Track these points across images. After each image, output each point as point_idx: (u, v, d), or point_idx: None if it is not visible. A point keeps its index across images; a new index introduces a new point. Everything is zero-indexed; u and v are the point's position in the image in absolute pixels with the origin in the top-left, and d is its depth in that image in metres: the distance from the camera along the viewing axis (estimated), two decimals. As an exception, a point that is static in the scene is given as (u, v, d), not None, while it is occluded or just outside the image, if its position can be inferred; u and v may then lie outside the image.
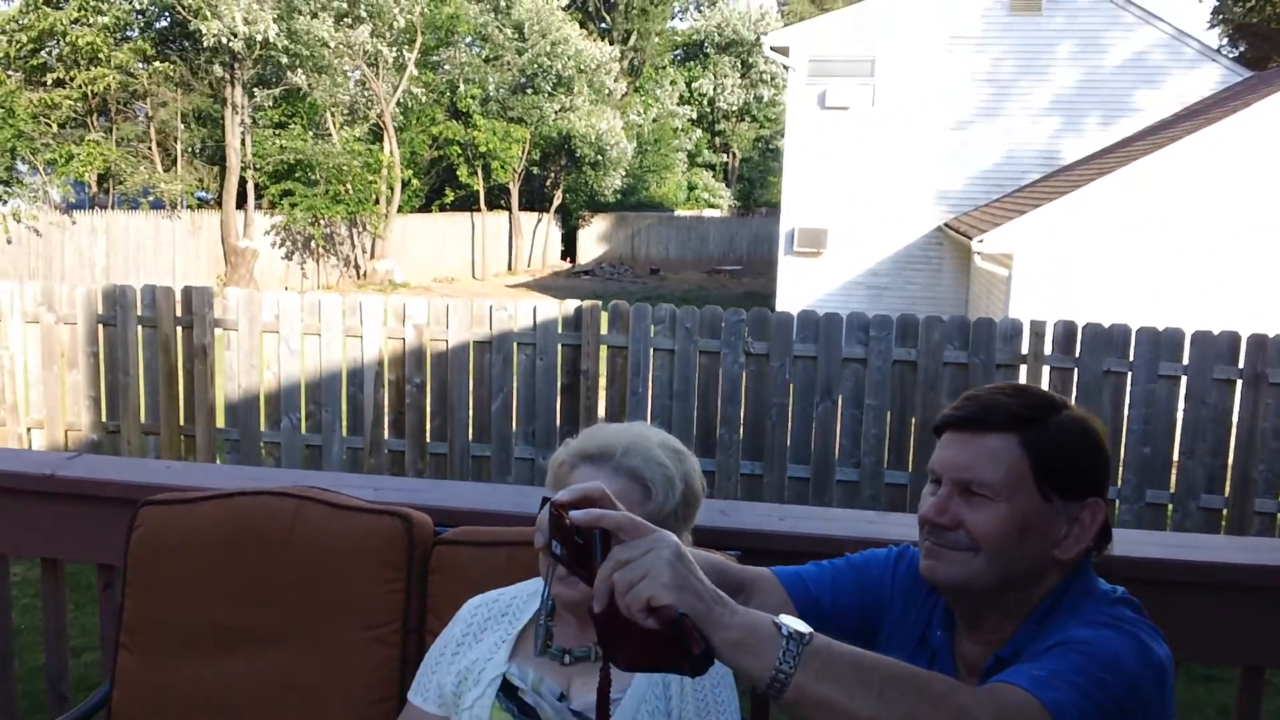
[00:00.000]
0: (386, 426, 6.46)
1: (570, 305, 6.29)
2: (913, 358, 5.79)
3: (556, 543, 1.29)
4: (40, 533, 2.48)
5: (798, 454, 5.90)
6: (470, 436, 6.35)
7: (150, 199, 20.13)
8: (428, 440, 6.39)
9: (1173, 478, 5.79)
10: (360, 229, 22.98)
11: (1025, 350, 5.82)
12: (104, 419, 6.73)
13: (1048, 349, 5.79)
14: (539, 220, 29.99)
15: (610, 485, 1.74)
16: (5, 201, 17.20)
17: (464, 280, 25.93)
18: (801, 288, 15.85)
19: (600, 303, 6.39)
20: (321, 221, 21.54)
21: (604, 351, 6.23)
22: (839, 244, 15.96)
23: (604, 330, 6.21)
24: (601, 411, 6.22)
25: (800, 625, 1.20)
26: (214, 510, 2.16)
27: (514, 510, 2.23)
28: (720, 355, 5.93)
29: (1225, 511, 5.74)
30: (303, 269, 22.04)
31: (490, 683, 1.77)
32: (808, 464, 5.88)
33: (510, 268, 28.57)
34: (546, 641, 1.81)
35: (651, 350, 6.05)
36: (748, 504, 2.24)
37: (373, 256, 23.04)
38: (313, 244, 22.06)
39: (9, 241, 16.58)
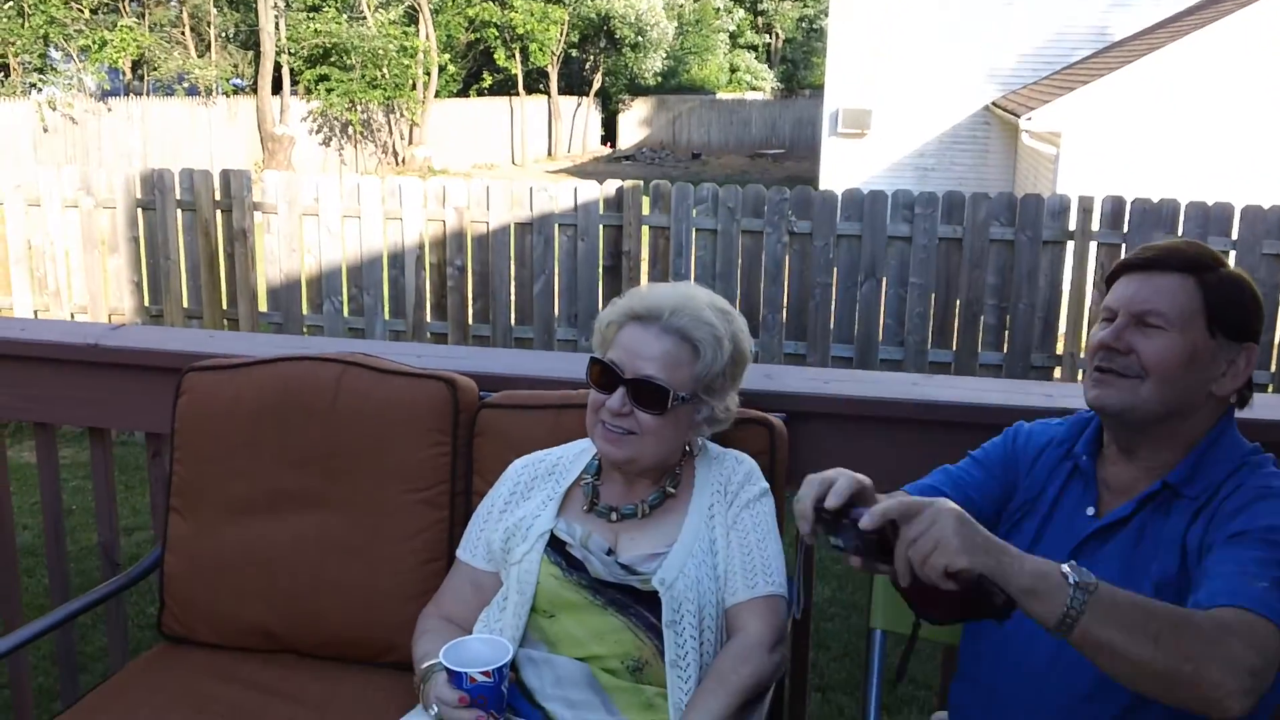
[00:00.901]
0: (429, 309, 6.46)
1: (611, 186, 6.20)
2: (958, 235, 5.67)
3: (837, 538, 1.39)
4: (87, 402, 2.49)
5: (841, 334, 5.85)
6: (512, 320, 6.34)
7: (185, 85, 20.01)
8: (470, 323, 6.39)
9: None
10: (397, 115, 22.75)
11: (1073, 227, 5.68)
12: (147, 303, 6.77)
13: (1095, 225, 5.64)
14: (578, 105, 29.55)
15: (658, 345, 1.72)
16: (40, 89, 17.15)
17: (503, 167, 25.72)
18: (845, 170, 15.56)
19: (641, 183, 6.29)
20: (358, 107, 21.34)
21: (646, 232, 6.15)
22: (884, 125, 15.59)
23: (646, 211, 6.12)
24: (642, 292, 6.17)
25: (1084, 573, 1.30)
26: (258, 376, 2.16)
27: (558, 375, 2.21)
28: (763, 235, 5.84)
29: (1270, 388, 5.63)
30: (340, 155, 21.93)
31: (539, 538, 1.77)
32: (851, 344, 5.83)
33: (550, 153, 28.28)
34: (593, 500, 1.82)
35: (694, 231, 5.97)
36: (793, 368, 2.21)
37: (410, 143, 22.86)
38: (350, 130, 21.90)
39: (45, 130, 16.59)
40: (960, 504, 1.58)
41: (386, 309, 6.49)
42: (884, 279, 5.75)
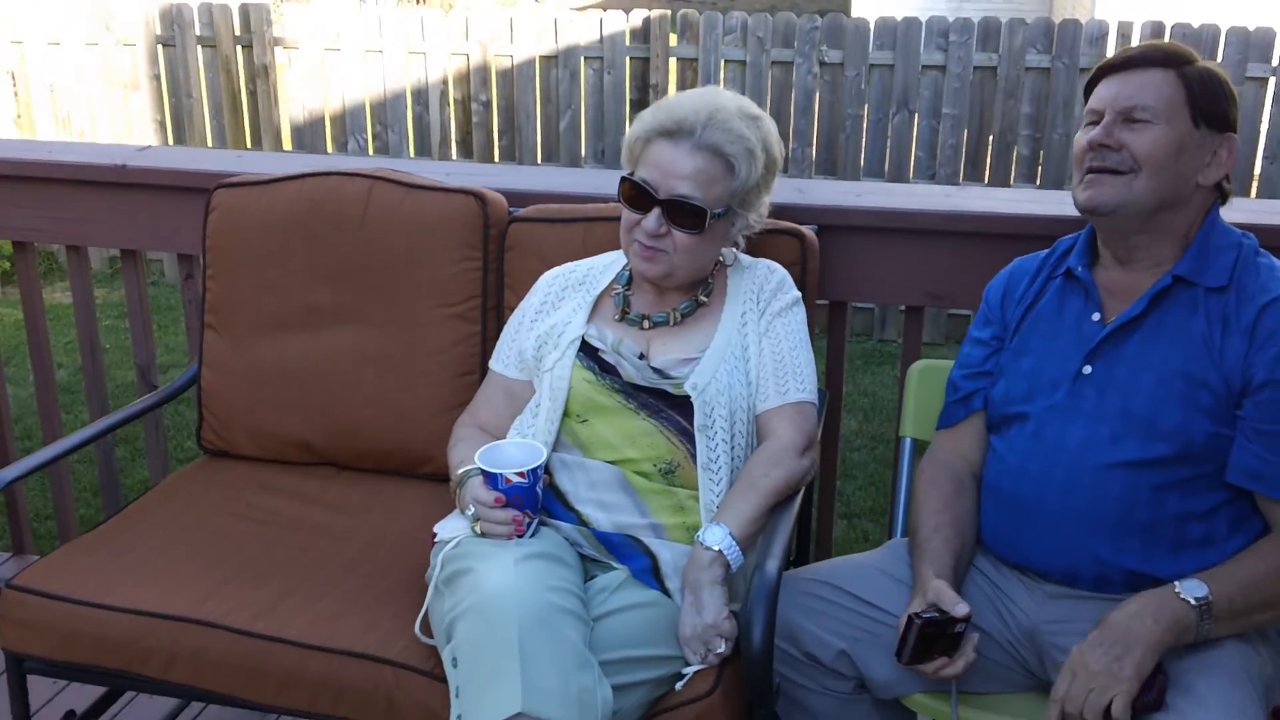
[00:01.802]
0: (454, 147, 6.37)
1: (638, 16, 6.02)
2: (994, 63, 5.49)
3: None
4: (117, 225, 2.49)
5: (871, 168, 5.73)
6: (539, 157, 6.25)
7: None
8: (496, 160, 6.31)
9: (1254, 187, 5.56)
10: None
11: (1111, 53, 5.48)
12: (170, 142, 6.71)
13: (1141, 53, 5.43)
14: (601, -60, 28.49)
15: (690, 163, 1.68)
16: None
17: (524, 3, 25.00)
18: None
19: (668, 13, 6.10)
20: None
21: (673, 64, 5.99)
22: (920, -47, 14.95)
23: (673, 43, 5.95)
24: (670, 127, 6.04)
25: (1196, 589, 1.43)
26: (288, 191, 2.14)
27: (587, 191, 2.19)
28: (793, 66, 5.67)
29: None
30: (359, -5, 21.37)
31: (570, 344, 1.77)
32: (882, 178, 5.71)
33: (572, -9, 27.42)
34: (624, 308, 1.82)
35: (722, 62, 5.80)
36: (824, 181, 2.18)
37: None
38: (368, -33, 21.28)
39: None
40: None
41: (411, 147, 6.40)
42: (916, 110, 5.60)
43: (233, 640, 1.64)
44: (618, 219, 1.77)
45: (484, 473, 1.63)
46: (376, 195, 2.10)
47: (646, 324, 1.79)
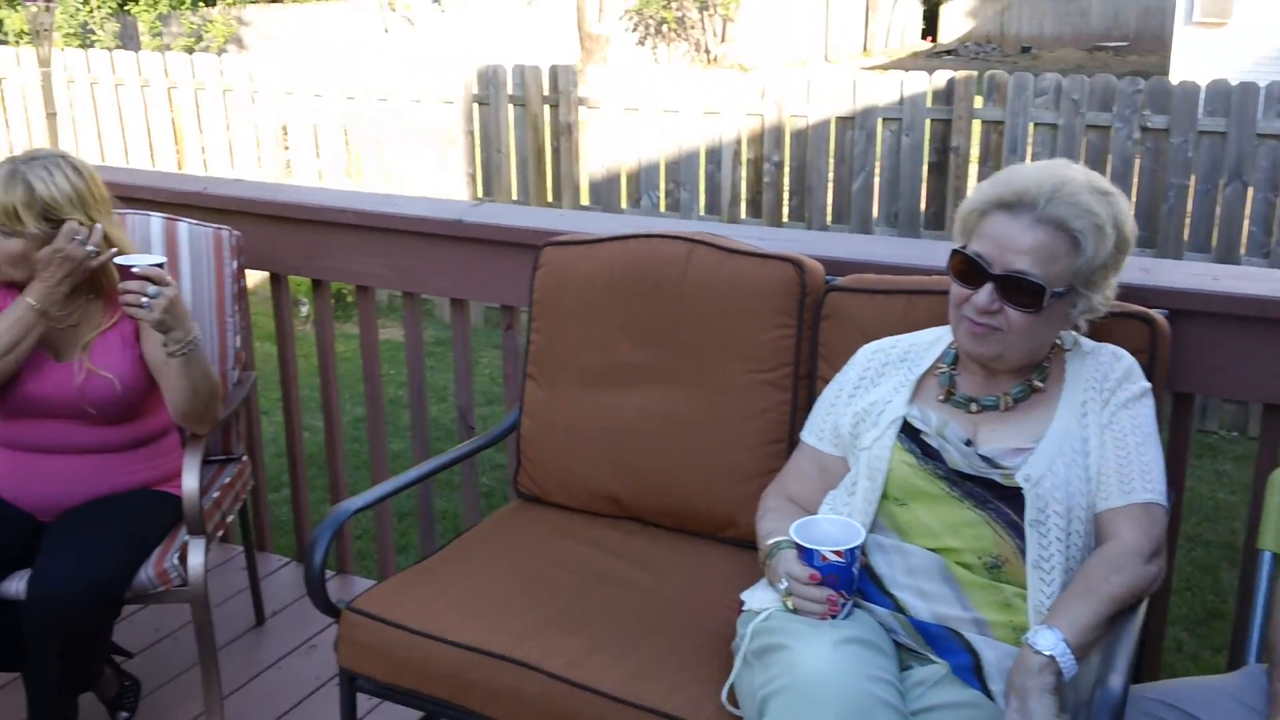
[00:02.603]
0: (743, 205, 6.45)
1: (941, 77, 5.90)
2: (1344, 134, 5.01)
3: None
4: (449, 274, 2.66)
5: (1196, 241, 5.33)
6: (828, 218, 6.23)
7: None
8: (785, 220, 6.33)
9: None
10: (710, 12, 22.65)
11: None
12: (480, 194, 7.15)
13: None
14: (895, -4, 28.25)
15: (1030, 237, 1.60)
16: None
17: (815, 64, 25.12)
18: (1200, 65, 14.03)
19: (974, 74, 5.95)
20: (673, 4, 21.42)
21: (976, 127, 5.83)
22: (1250, 10, 13.91)
23: (978, 104, 5.79)
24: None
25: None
26: (610, 252, 2.22)
27: (908, 262, 2.13)
28: (1111, 130, 5.39)
29: None
30: (654, 54, 22.15)
31: (891, 423, 1.72)
32: (1207, 252, 5.30)
33: (865, 49, 27.31)
34: (950, 389, 1.75)
35: (1031, 125, 5.59)
36: (1173, 262, 2.02)
37: (723, 40, 22.73)
38: (664, 28, 22.04)
39: (386, 31, 17.70)
40: None
41: (702, 205, 6.54)
42: (1250, 181, 5.18)
43: (547, 684, 1.70)
44: (943, 293, 1.71)
45: (799, 547, 1.60)
46: (696, 258, 2.14)
47: (974, 407, 1.71)
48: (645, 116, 6.53)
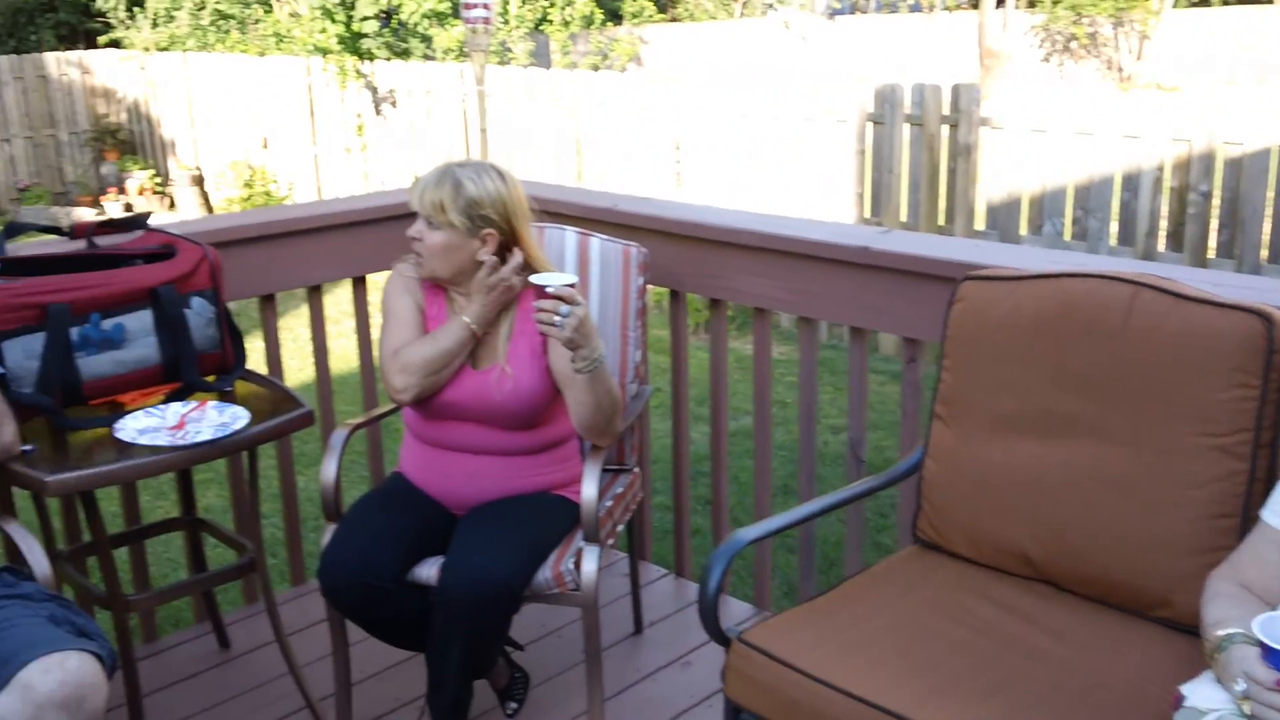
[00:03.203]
0: (1161, 238, 5.91)
1: None
2: None
3: None
4: (850, 302, 2.57)
5: None
6: (1263, 256, 5.56)
7: (910, 2, 20.41)
8: (1209, 257, 5.73)
9: None
10: (1127, 28, 21.11)
11: None
12: (867, 215, 7.02)
13: None
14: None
15: None
16: (776, 9, 18.50)
17: (1245, 85, 22.75)
18: None
19: None
20: (1084, 20, 20.16)
21: None
22: None
23: None
24: None
25: None
26: (1039, 290, 2.04)
27: None
28: None
29: None
30: (1060, 71, 20.97)
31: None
32: None
33: (1298, 71, 24.47)
34: None
35: None
36: None
37: (1139, 57, 21.13)
38: (1073, 45, 20.81)
39: (779, 48, 17.94)
40: None
41: (1113, 235, 6.05)
42: None
43: (948, 756, 1.57)
44: None
45: (1263, 646, 1.38)
46: (1140, 303, 1.92)
47: None
48: (1054, 139, 6.15)
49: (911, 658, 1.76)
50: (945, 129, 6.53)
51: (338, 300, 6.09)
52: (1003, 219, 6.43)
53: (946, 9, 20.84)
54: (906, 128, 6.67)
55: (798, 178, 7.20)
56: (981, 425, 2.06)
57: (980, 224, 6.64)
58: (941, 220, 6.67)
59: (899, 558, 2.12)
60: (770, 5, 19.64)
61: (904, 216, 6.81)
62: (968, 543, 2.06)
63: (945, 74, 19.05)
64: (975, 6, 19.81)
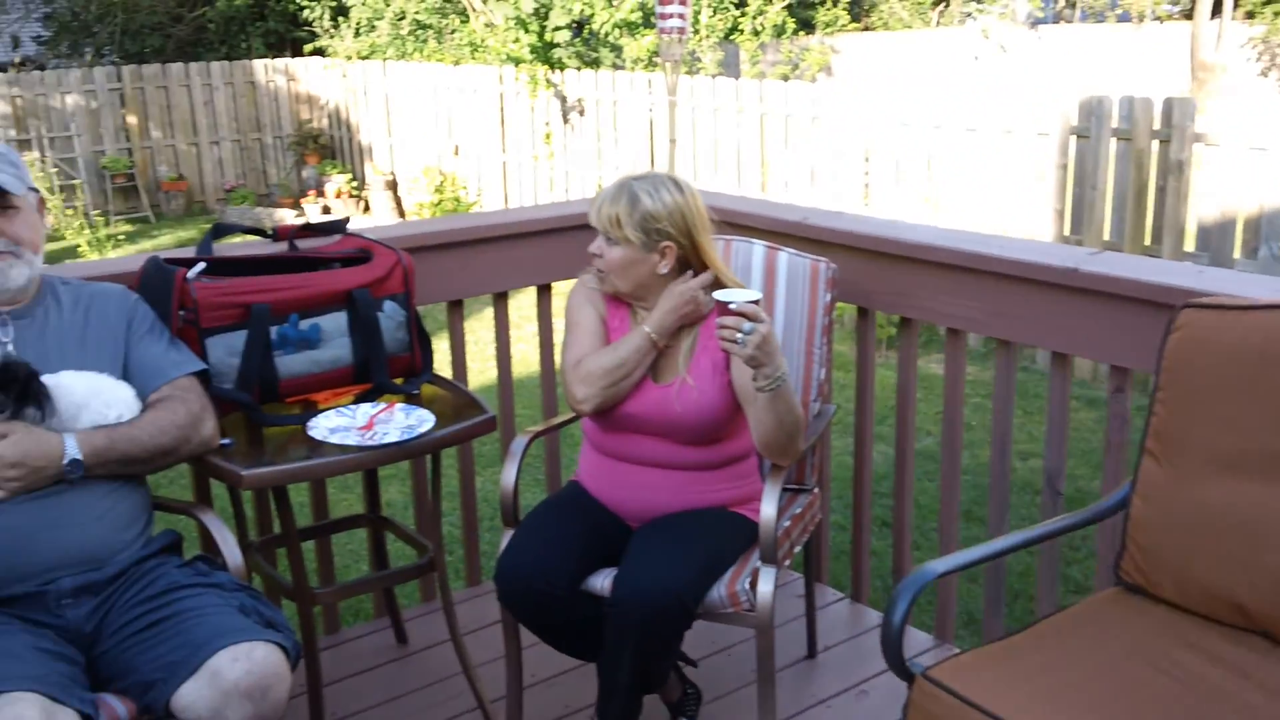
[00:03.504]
0: (1395, 265, 5.43)
1: None
2: None
3: None
4: (1054, 326, 2.44)
5: None
6: None
7: (1117, 11, 19.49)
8: None
9: None
10: (1354, 39, 19.61)
11: None
12: (1066, 232, 6.70)
13: None
14: None
15: None
16: (975, 18, 17.92)
17: None
18: None
19: None
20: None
21: None
22: None
23: None
24: None
25: None
26: (1267, 322, 1.88)
27: None
28: None
29: None
30: (1279, 85, 19.62)
31: None
32: None
33: None
34: None
35: None
36: None
37: (1365, 72, 19.58)
38: (1295, 56, 19.44)
39: (975, 58, 17.36)
40: None
41: (1338, 260, 5.59)
42: None
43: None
44: None
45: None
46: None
47: None
48: (1275, 157, 5.72)
49: (1111, 709, 1.64)
50: (1155, 144, 6.17)
51: (519, 304, 6.21)
52: (1215, 241, 6.03)
53: (1158, 19, 19.78)
54: (1113, 142, 6.34)
55: (992, 192, 6.94)
56: (1198, 464, 1.90)
57: (1190, 245, 6.25)
58: (1148, 240, 6.30)
59: (1099, 599, 1.98)
60: (969, 14, 19.07)
61: (1107, 235, 6.48)
62: (1176, 588, 1.90)
63: (1154, 87, 18.09)
64: (1189, 17, 18.77)
